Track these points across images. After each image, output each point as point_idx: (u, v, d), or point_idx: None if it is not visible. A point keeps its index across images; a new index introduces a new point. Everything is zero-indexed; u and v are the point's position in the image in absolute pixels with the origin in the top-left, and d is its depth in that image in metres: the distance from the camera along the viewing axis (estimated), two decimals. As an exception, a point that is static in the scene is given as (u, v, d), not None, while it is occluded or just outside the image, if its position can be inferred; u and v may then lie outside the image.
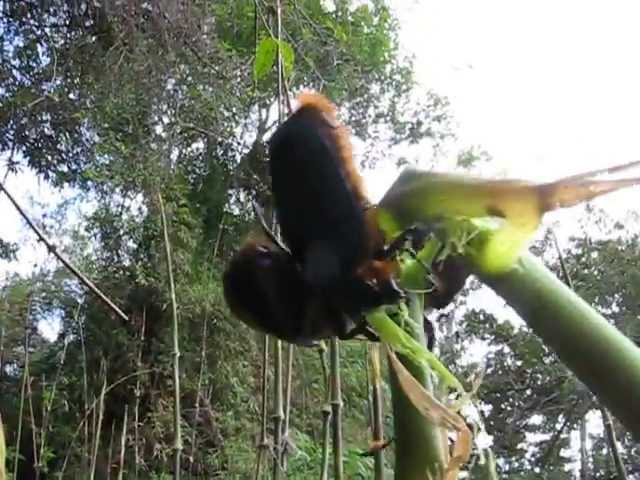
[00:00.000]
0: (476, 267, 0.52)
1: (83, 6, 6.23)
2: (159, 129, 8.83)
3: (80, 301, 8.17)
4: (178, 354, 1.88)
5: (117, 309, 4.52)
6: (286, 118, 0.70)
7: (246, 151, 10.63)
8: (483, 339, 14.28)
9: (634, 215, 13.63)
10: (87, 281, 4.04)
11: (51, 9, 6.27)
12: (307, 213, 0.66)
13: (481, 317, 13.82)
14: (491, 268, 0.51)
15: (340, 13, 9.74)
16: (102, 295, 2.95)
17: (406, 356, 0.64)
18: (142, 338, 7.32)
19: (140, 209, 8.61)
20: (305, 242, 0.69)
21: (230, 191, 10.20)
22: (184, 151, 10.03)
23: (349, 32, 8.86)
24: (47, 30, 6.57)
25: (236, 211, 10.33)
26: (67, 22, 6.46)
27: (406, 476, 0.63)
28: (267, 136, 10.92)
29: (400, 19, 10.18)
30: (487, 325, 14.07)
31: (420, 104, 10.94)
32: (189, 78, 8.10)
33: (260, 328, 0.77)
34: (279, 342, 1.98)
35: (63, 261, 5.70)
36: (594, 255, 13.25)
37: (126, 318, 5.55)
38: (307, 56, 7.18)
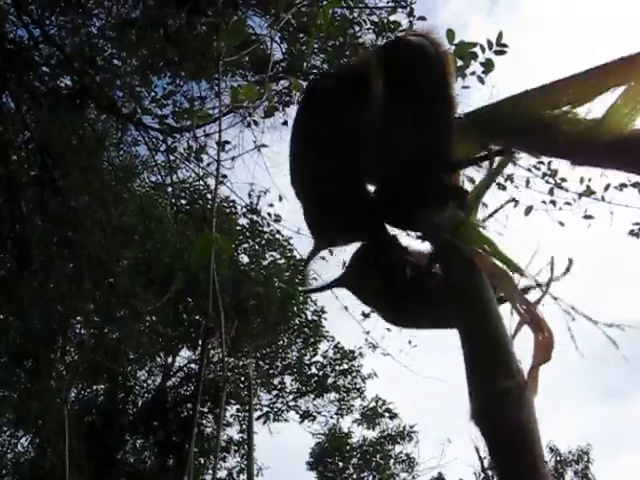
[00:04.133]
0: (593, 136, 0.59)
1: (5, 232, 6.32)
2: (61, 364, 8.53)
3: None
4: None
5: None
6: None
7: (148, 396, 10.33)
8: None
9: None
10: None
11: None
12: (410, 114, 0.77)
13: None
14: (615, 128, 0.58)
15: (253, 266, 10.17)
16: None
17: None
18: None
19: (28, 448, 8.01)
20: (398, 137, 0.78)
21: (127, 436, 9.70)
22: (84, 392, 9.63)
23: (262, 283, 9.27)
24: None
25: (131, 459, 9.73)
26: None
27: (482, 375, 0.62)
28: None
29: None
30: None
31: (327, 357, 11.15)
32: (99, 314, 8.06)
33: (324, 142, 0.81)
34: None
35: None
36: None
37: None
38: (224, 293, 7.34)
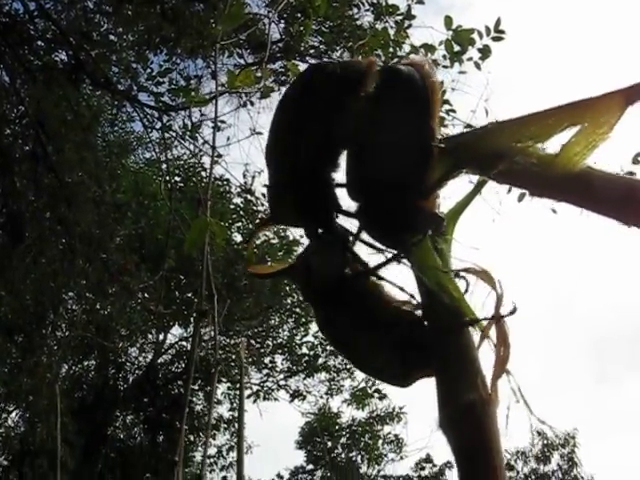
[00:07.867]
0: (548, 171, 0.65)
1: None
2: (52, 340, 8.53)
3: None
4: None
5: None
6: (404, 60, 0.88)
7: (139, 373, 10.36)
8: None
9: (523, 456, 13.94)
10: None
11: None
12: (392, 144, 0.78)
13: None
14: (566, 165, 0.65)
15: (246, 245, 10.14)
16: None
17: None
18: None
19: (18, 423, 8.04)
20: (377, 165, 0.79)
21: (117, 412, 9.74)
22: (75, 367, 9.65)
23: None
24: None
25: (121, 435, 9.79)
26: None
27: (452, 388, 0.66)
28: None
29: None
30: None
31: (318, 337, 11.17)
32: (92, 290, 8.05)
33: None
34: None
35: None
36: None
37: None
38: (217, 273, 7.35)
